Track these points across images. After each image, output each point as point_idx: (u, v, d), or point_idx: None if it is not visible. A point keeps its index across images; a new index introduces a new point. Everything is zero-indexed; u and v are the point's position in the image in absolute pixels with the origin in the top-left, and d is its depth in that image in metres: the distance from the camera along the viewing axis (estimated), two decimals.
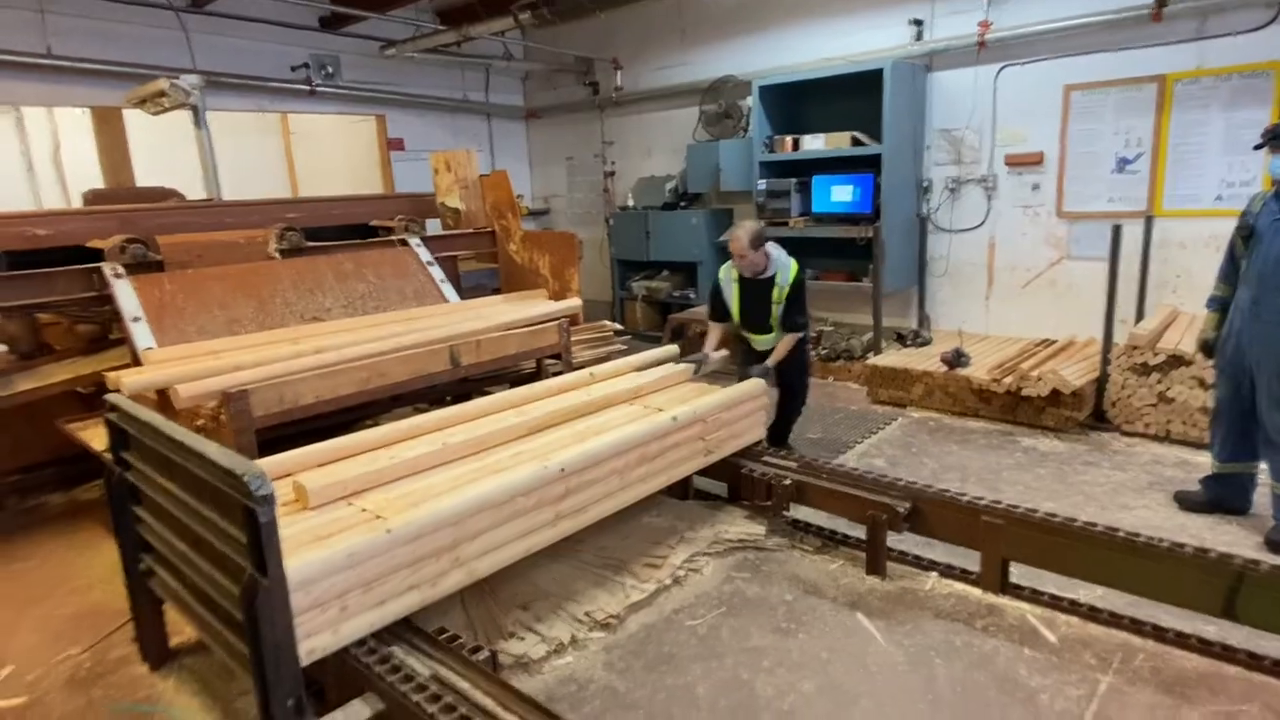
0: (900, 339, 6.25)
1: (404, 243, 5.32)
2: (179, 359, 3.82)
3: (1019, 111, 5.99)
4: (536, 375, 4.65)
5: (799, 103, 6.95)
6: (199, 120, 5.33)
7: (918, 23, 6.30)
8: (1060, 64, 5.73)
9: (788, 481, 3.59)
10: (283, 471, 2.97)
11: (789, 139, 6.74)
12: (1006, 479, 4.36)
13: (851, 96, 6.44)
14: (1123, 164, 5.59)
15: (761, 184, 6.86)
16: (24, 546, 4.13)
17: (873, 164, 6.21)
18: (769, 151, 6.86)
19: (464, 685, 2.24)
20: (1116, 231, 5.08)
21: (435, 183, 6.05)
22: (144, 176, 7.47)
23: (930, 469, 4.54)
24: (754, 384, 3.97)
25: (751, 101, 6.89)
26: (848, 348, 6.44)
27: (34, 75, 6.07)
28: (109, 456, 2.81)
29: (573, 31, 8.66)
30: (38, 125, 8.41)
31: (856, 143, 6.35)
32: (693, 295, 7.84)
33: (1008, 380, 5.04)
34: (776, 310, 4.17)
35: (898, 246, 6.32)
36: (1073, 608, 3.01)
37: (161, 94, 5.00)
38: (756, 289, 4.16)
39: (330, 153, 9.66)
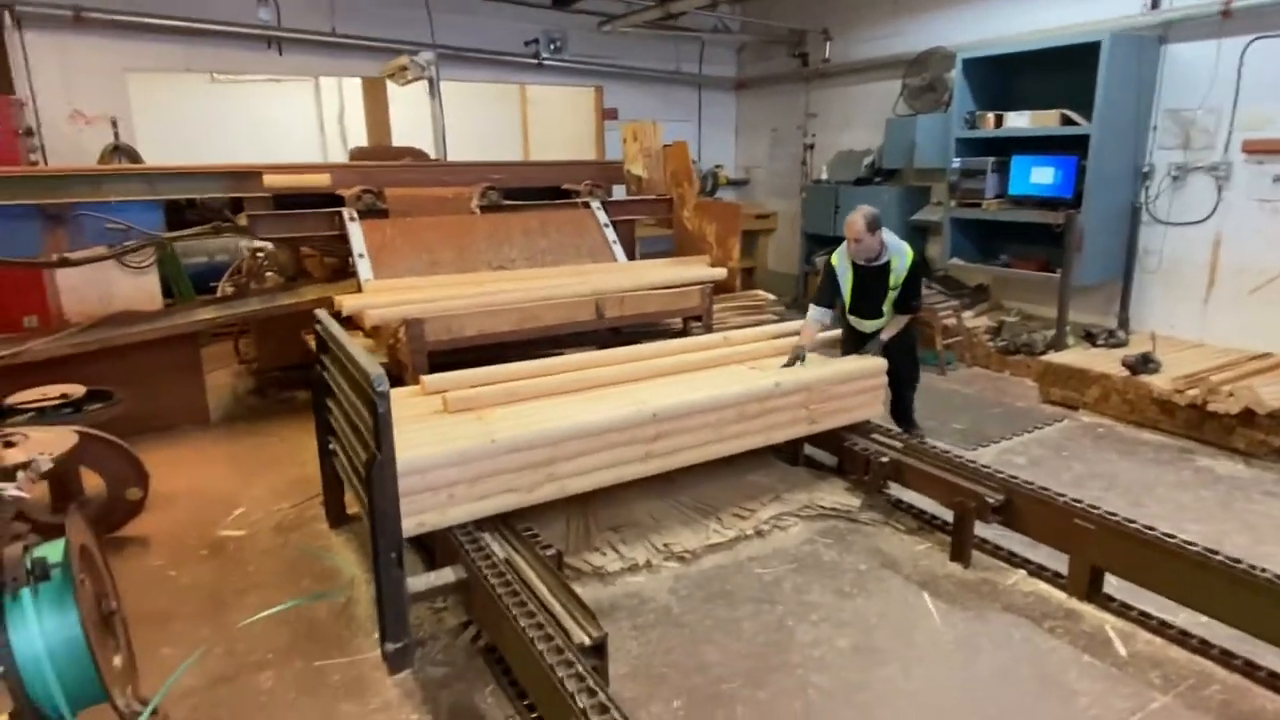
0: (1089, 337, 5.77)
1: (586, 205, 5.89)
2: (388, 289, 4.68)
3: (1269, 90, 5.21)
4: (684, 333, 5.03)
5: (1008, 77, 6.52)
6: (433, 90, 6.25)
7: None
8: None
9: (885, 459, 3.66)
10: (441, 386, 3.63)
11: (991, 115, 6.38)
12: (1158, 495, 4.02)
13: (1068, 71, 5.92)
14: None
15: (956, 162, 6.57)
16: (274, 426, 5.30)
17: (1080, 145, 5.73)
18: (970, 128, 6.54)
19: (529, 573, 2.72)
20: None
21: (624, 151, 6.54)
22: (399, 137, 8.78)
23: (1073, 474, 4.29)
24: (872, 362, 4.03)
25: (955, 74, 6.59)
26: (1028, 341, 6.06)
27: (322, 50, 7.41)
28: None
29: (788, 2, 8.71)
30: (329, 93, 10.13)
31: (1066, 121, 5.87)
32: None
33: (1192, 392, 4.55)
34: (892, 296, 4.13)
35: (1100, 236, 5.80)
36: (1161, 628, 2.85)
37: (404, 68, 5.95)
38: (871, 275, 4.14)
39: (560, 119, 10.58)
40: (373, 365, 2.55)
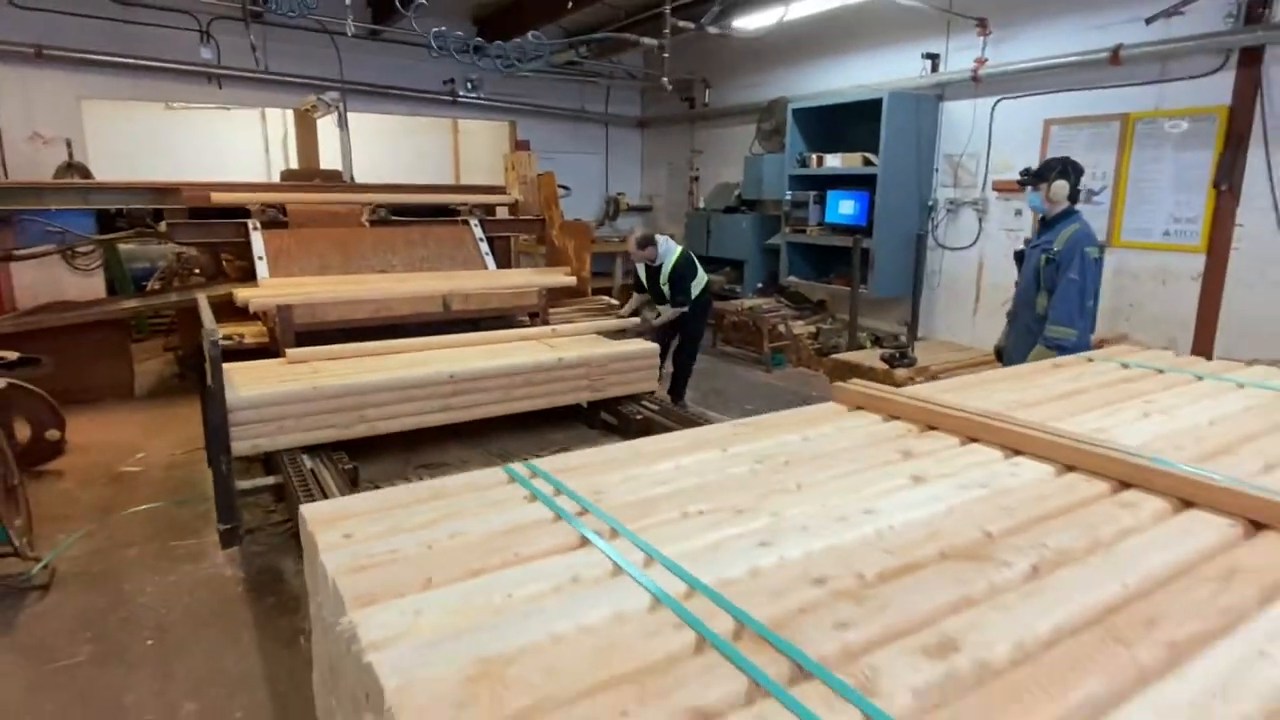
0: (878, 341, 6.95)
1: (466, 222, 7.00)
2: (280, 286, 5.75)
3: (1009, 142, 6.47)
4: (525, 326, 6.13)
5: (832, 124, 7.76)
6: (342, 123, 7.37)
7: (932, 56, 6.91)
8: (1042, 100, 6.16)
9: (639, 417, 4.76)
10: (301, 357, 4.70)
11: (814, 156, 7.61)
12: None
13: (873, 120, 7.17)
14: (1090, 195, 5.94)
15: (789, 194, 7.79)
16: (187, 400, 6.29)
17: (873, 182, 6.96)
18: (801, 166, 7.77)
19: (329, 481, 3.77)
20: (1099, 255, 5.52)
21: (506, 178, 7.69)
22: (327, 161, 9.88)
23: None
24: (645, 346, 5.15)
25: (788, 120, 7.82)
26: (835, 344, 7.24)
27: (256, 85, 8.52)
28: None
29: (683, 51, 9.97)
30: (274, 120, 11.24)
31: (867, 162, 7.10)
32: (739, 289, 8.88)
33: (918, 379, 5.71)
34: (666, 289, 5.29)
35: (891, 258, 7.01)
36: None
37: (314, 106, 7.06)
38: (653, 273, 5.32)
39: (485, 147, 11.75)
40: (210, 323, 3.62)
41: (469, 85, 9.79)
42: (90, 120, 8.90)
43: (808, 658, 0.84)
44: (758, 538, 1.17)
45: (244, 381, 4.02)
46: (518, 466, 1.49)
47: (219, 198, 6.25)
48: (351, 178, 7.81)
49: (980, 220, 6.75)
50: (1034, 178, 3.93)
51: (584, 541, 1.17)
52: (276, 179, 10.69)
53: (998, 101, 6.50)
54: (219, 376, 3.58)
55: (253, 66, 8.39)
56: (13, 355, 4.90)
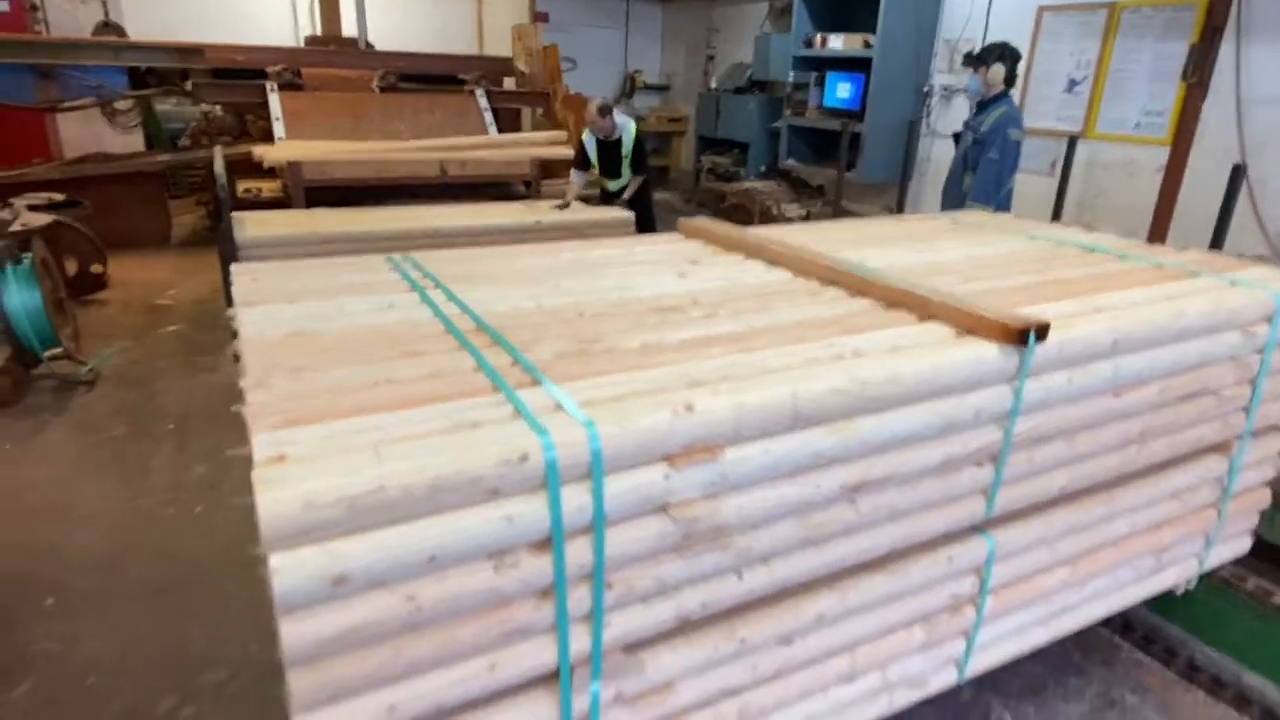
0: None
1: (472, 92, 7.33)
2: (294, 146, 6.24)
3: (1005, 28, 6.47)
4: (521, 195, 6.56)
5: (837, 5, 7.73)
6: None
7: None
8: None
9: None
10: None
11: (820, 37, 7.66)
12: None
13: (877, 1, 7.17)
14: (1072, 85, 6.03)
15: (791, 76, 7.89)
16: (215, 249, 6.95)
17: (870, 66, 7.05)
18: (806, 47, 7.82)
19: None
20: (1072, 145, 5.69)
21: (512, 49, 7.91)
22: (351, 28, 10.09)
23: None
24: (621, 213, 5.56)
25: None
26: None
27: None
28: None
29: None
30: None
31: (867, 45, 7.16)
32: (742, 172, 9.11)
33: None
34: (625, 162, 5.60)
35: (882, 143, 7.19)
36: None
37: None
38: (608, 148, 5.58)
39: (505, 19, 11.76)
40: (220, 173, 4.15)
41: None
42: None
43: (506, 341, 1.37)
44: (533, 296, 1.68)
45: (254, 226, 4.60)
46: (398, 256, 2.02)
47: (236, 59, 6.66)
48: (367, 44, 8.09)
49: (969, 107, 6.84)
50: (975, 60, 4.15)
51: (411, 289, 1.70)
52: (303, 44, 10.96)
53: None
54: (227, 217, 4.15)
55: None
56: (59, 196, 5.53)
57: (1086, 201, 6.02)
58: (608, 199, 5.91)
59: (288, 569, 0.91)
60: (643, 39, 11.26)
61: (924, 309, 1.63)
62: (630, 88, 10.82)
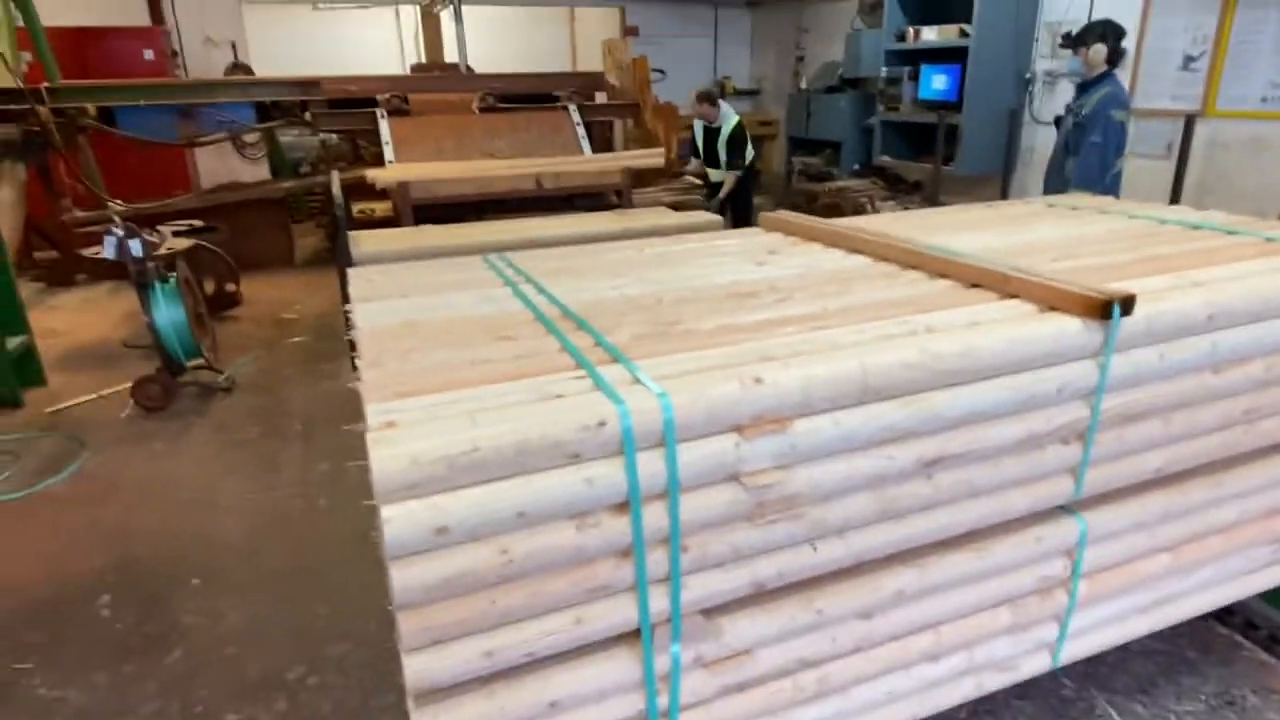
0: None
1: (565, 108, 7.57)
2: (402, 168, 6.64)
3: (1112, 6, 6.16)
4: (615, 205, 6.73)
5: None
6: (457, 16, 8.02)
7: None
8: None
9: None
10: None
11: (912, 30, 7.50)
12: None
13: None
14: (1188, 61, 5.67)
15: (883, 71, 7.76)
16: (329, 265, 7.47)
17: (967, 56, 6.85)
18: (899, 41, 7.68)
19: None
20: (1189, 125, 5.41)
21: (604, 64, 8.12)
22: (451, 54, 10.62)
23: None
24: (709, 217, 5.61)
25: None
26: None
27: None
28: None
29: None
30: (407, 17, 12.06)
31: (963, 34, 6.96)
32: (835, 171, 8.99)
33: None
34: (721, 152, 5.71)
35: (981, 134, 6.96)
36: None
37: (432, 1, 7.74)
38: (710, 135, 5.75)
39: (596, 35, 12.08)
40: (337, 195, 4.49)
41: None
42: (253, 24, 10.06)
43: (589, 325, 1.47)
44: (615, 287, 1.77)
45: (368, 243, 4.92)
46: (494, 257, 2.16)
47: (350, 89, 7.15)
48: (467, 68, 8.51)
49: None
50: (1075, 42, 4.00)
51: (505, 284, 1.83)
52: (409, 71, 11.61)
53: None
54: (344, 235, 4.47)
55: None
56: (198, 223, 6.10)
57: (1208, 184, 5.64)
58: (712, 191, 6.07)
59: (397, 519, 1.03)
60: (732, 45, 11.32)
61: (1004, 287, 1.62)
62: (720, 93, 10.86)
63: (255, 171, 9.08)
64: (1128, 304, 1.45)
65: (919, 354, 1.32)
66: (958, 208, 2.74)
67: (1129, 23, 6.06)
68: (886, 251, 1.95)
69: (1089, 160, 3.88)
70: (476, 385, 1.23)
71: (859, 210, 7.71)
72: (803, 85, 9.62)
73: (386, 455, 1.02)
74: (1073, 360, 1.45)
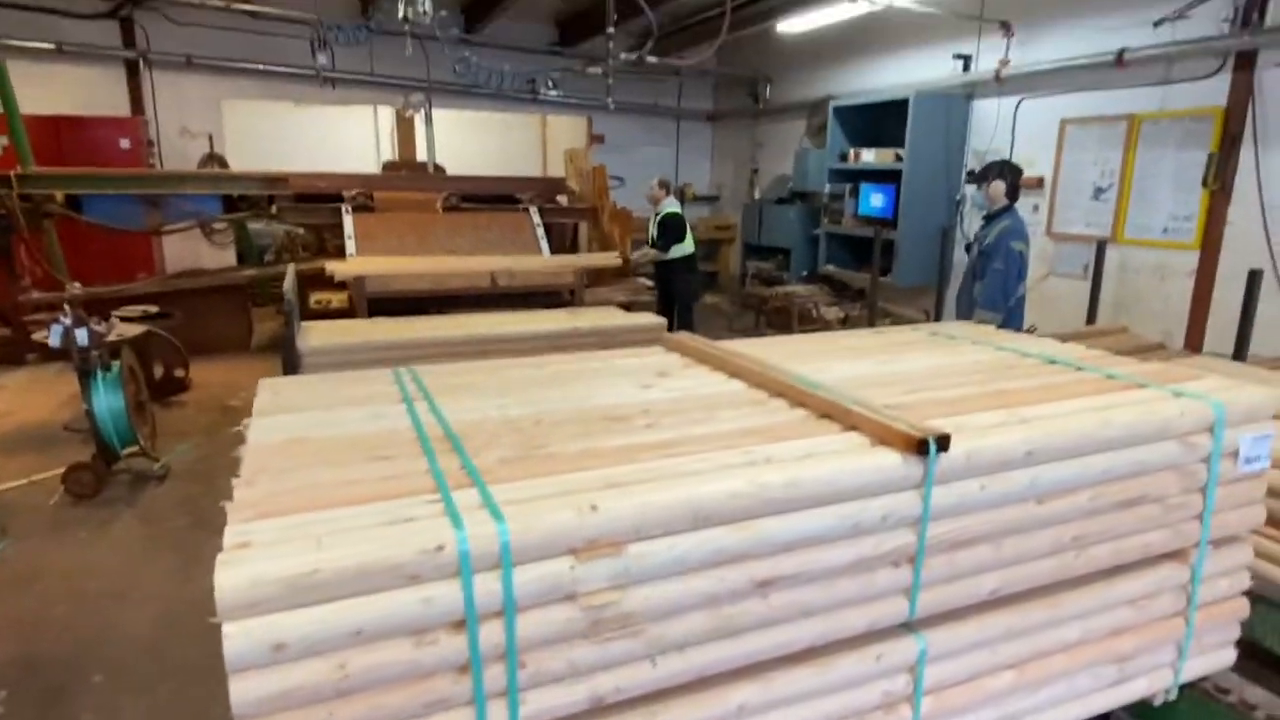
0: (895, 324, 7.36)
1: (526, 210, 7.92)
2: (362, 261, 6.85)
3: (1031, 140, 6.72)
4: (568, 303, 6.98)
5: (869, 121, 8.16)
6: (427, 119, 8.44)
7: (964, 57, 7.20)
8: (1059, 99, 6.40)
9: None
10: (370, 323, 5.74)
11: (853, 151, 8.04)
12: None
13: (905, 118, 7.55)
14: (1098, 192, 6.16)
15: (827, 187, 8.26)
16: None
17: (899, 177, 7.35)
18: (841, 160, 8.22)
19: None
20: (1101, 250, 5.81)
21: (565, 170, 8.55)
22: (426, 152, 11.08)
23: None
24: (653, 319, 5.87)
25: (830, 118, 8.28)
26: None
27: (364, 86, 9.77)
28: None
29: (747, 50, 10.52)
30: (384, 116, 12.59)
31: (898, 158, 7.49)
32: (786, 276, 9.40)
33: None
34: (652, 231, 6.22)
35: (916, 249, 7.40)
36: None
37: (404, 106, 8.16)
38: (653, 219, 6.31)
39: (566, 139, 12.70)
40: (289, 288, 4.65)
41: (550, 84, 10.72)
42: (232, 117, 10.45)
43: (461, 447, 1.60)
44: (502, 407, 1.92)
45: (316, 335, 5.06)
46: (403, 370, 2.31)
47: (317, 185, 7.44)
48: (435, 168, 8.88)
49: None
50: (977, 178, 4.37)
51: (402, 400, 1.97)
52: (381, 169, 12.04)
53: (1020, 101, 6.76)
54: (291, 329, 4.61)
55: (360, 69, 9.66)
56: (153, 309, 6.20)
57: (1123, 304, 6.03)
58: (657, 267, 6.58)
59: (236, 636, 1.13)
60: (694, 154, 11.96)
61: (847, 419, 1.80)
62: (680, 199, 11.39)
63: (222, 257, 9.27)
64: (944, 442, 1.62)
65: (748, 485, 1.47)
66: (851, 332, 2.96)
67: (1046, 155, 6.62)
68: (760, 379, 2.13)
69: (993, 286, 4.19)
70: (337, 507, 1.35)
71: (804, 314, 8.06)
72: (756, 195, 10.16)
73: (229, 576, 1.13)
74: (896, 491, 1.61)
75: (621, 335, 5.77)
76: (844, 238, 8.33)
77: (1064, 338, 4.86)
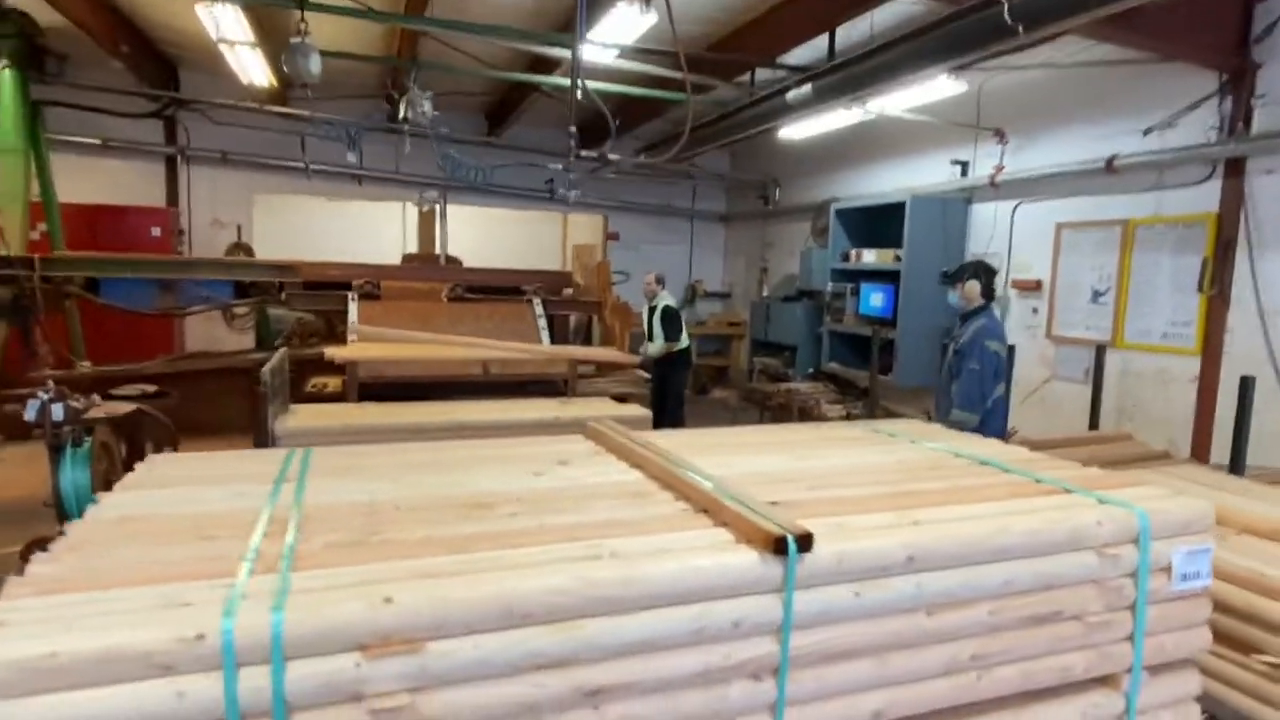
0: None
1: (529, 301, 8.04)
2: (361, 347, 6.97)
3: (1027, 243, 6.69)
4: (562, 393, 6.97)
5: (874, 222, 8.21)
6: (442, 216, 8.74)
7: (962, 163, 7.29)
8: (1055, 204, 6.38)
9: None
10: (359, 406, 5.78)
11: (855, 252, 8.09)
12: None
13: (904, 220, 7.61)
14: (1096, 296, 6.05)
15: (830, 286, 8.27)
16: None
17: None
18: (844, 260, 8.26)
19: None
20: (1100, 354, 5.67)
21: (572, 265, 8.71)
22: (454, 248, 11.44)
23: None
24: (640, 412, 5.79)
25: (831, 220, 8.38)
26: None
27: (390, 184, 10.24)
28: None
29: (756, 154, 10.84)
30: (412, 210, 13.11)
31: (898, 259, 7.50)
32: (791, 373, 9.31)
33: None
34: (657, 325, 6.17)
35: (916, 349, 7.29)
36: None
37: (421, 201, 8.50)
38: (651, 312, 6.25)
39: (585, 235, 13.05)
40: (268, 371, 4.72)
41: (569, 183, 11.10)
42: (266, 210, 11.00)
43: (296, 533, 1.54)
44: (372, 491, 1.86)
45: (300, 417, 5.09)
46: (299, 450, 2.26)
47: (329, 273, 7.68)
48: (447, 259, 9.14)
49: (1002, 316, 6.91)
50: (950, 279, 4.32)
51: (274, 480, 1.92)
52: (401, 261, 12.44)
53: (1017, 205, 6.77)
54: (263, 412, 4.65)
55: (386, 167, 10.14)
56: (151, 389, 6.32)
57: (1126, 410, 5.81)
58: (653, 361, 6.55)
59: None
60: (707, 252, 12.16)
61: (720, 515, 1.69)
62: (692, 295, 11.54)
63: (241, 341, 9.53)
64: (805, 541, 1.51)
65: (572, 581, 1.37)
66: (790, 427, 2.89)
67: (1043, 257, 6.56)
68: (658, 471, 2.05)
69: (969, 385, 4.06)
70: (124, 587, 1.28)
71: (805, 411, 7.91)
72: (765, 293, 10.22)
73: None
74: (750, 594, 1.49)
75: (508, 440, 5.71)
76: (847, 336, 8.26)
77: (1063, 444, 4.69)
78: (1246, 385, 4.01)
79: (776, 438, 2.65)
